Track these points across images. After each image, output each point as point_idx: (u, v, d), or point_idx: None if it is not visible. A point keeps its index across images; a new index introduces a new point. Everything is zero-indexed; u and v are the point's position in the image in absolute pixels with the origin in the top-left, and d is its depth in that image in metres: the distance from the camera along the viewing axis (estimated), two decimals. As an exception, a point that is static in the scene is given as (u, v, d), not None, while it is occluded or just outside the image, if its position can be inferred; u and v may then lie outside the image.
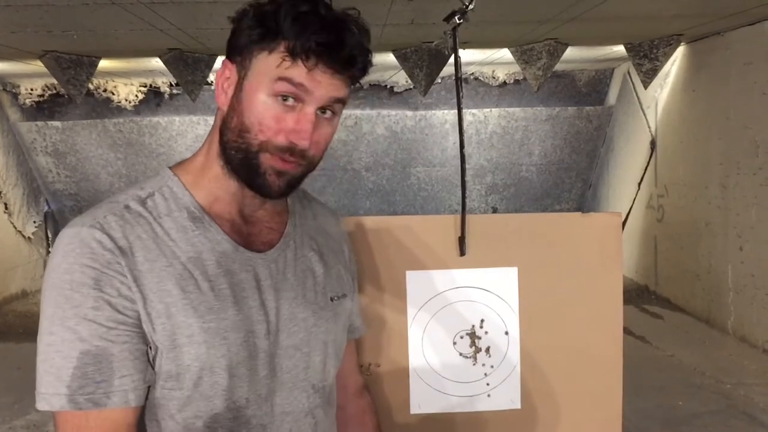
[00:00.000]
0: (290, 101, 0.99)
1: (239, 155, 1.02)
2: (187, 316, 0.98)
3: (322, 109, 1.02)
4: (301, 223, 1.18)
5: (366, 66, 1.04)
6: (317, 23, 0.98)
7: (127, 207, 1.01)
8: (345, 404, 1.28)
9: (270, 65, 0.99)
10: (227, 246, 1.04)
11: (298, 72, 0.98)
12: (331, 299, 1.17)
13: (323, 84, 0.99)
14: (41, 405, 0.93)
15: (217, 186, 1.07)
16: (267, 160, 1.01)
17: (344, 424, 1.27)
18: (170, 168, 1.08)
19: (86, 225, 0.97)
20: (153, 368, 0.98)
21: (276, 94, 0.99)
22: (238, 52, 1.02)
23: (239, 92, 1.01)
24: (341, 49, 0.99)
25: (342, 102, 1.04)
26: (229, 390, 1.01)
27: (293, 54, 0.98)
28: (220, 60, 5.76)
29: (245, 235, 1.08)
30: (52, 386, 0.92)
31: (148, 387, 0.99)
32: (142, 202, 1.02)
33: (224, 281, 1.02)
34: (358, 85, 1.07)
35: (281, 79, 0.98)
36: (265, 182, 1.02)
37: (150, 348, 0.98)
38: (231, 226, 1.06)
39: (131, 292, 0.96)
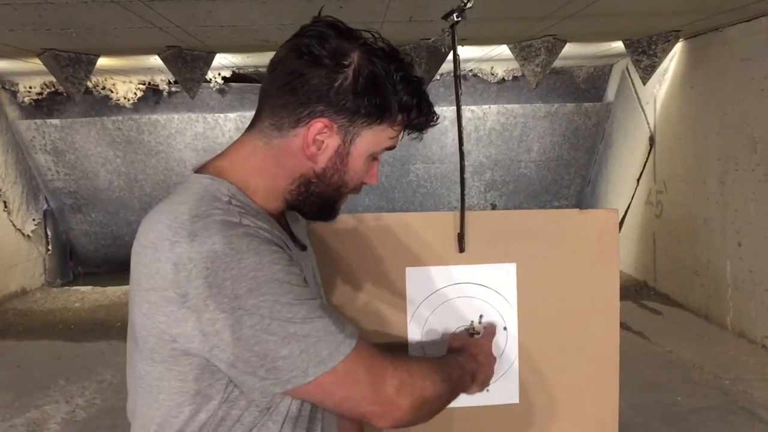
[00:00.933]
0: None
1: (323, 202, 1.11)
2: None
3: None
4: (288, 218, 1.22)
5: None
6: (425, 98, 1.08)
7: (240, 213, 1.00)
8: None
9: (384, 136, 1.08)
10: (291, 245, 1.11)
11: (399, 137, 1.11)
12: (319, 287, 1.25)
13: None
14: (330, 364, 0.96)
15: (269, 202, 1.09)
16: (342, 202, 1.14)
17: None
18: (210, 176, 1.06)
19: (239, 226, 0.96)
20: None
21: (376, 156, 1.11)
22: (342, 115, 1.03)
23: (344, 155, 1.07)
24: (435, 121, 1.12)
25: None
26: None
27: (407, 127, 1.10)
28: (218, 57, 5.76)
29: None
30: (333, 341, 0.97)
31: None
32: (230, 202, 1.01)
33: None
34: None
35: (389, 147, 1.10)
36: (334, 216, 1.16)
37: None
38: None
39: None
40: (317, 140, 1.04)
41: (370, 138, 1.07)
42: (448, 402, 1.14)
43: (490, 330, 1.47)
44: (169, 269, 0.93)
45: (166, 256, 0.94)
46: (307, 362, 0.95)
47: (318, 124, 1.03)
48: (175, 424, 1.01)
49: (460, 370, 1.22)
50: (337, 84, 1.01)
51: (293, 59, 1.02)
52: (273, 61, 1.06)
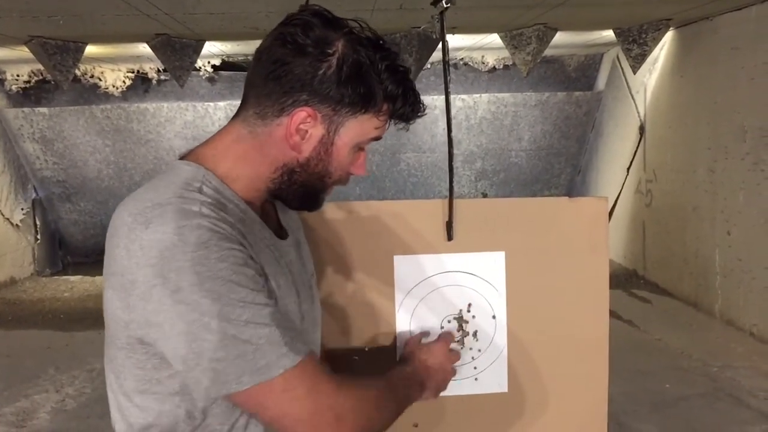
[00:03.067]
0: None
1: (306, 191, 1.09)
2: (290, 296, 1.05)
3: None
4: (276, 205, 1.20)
5: None
6: (411, 88, 1.07)
7: (203, 203, 0.96)
8: None
9: (369, 126, 1.07)
10: (268, 234, 1.08)
11: (385, 127, 1.09)
12: (311, 276, 1.22)
13: None
14: (266, 375, 0.92)
15: (250, 191, 1.07)
16: (327, 193, 1.13)
17: None
18: (189, 163, 1.04)
19: (195, 217, 0.92)
20: None
21: (362, 147, 1.10)
22: (326, 104, 1.02)
23: (328, 144, 1.05)
24: (422, 111, 1.11)
25: None
26: None
27: (393, 117, 1.08)
28: (208, 45, 5.72)
29: (269, 225, 1.12)
30: (274, 352, 0.93)
31: None
32: (199, 190, 0.98)
33: (282, 268, 1.07)
34: None
35: (375, 138, 1.09)
36: (317, 206, 1.14)
37: None
38: (261, 218, 1.09)
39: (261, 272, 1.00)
40: (301, 129, 1.03)
41: (355, 128, 1.05)
42: (395, 420, 1.12)
43: (446, 335, 1.44)
44: (123, 255, 0.93)
45: (123, 242, 0.93)
46: (243, 369, 0.91)
47: (301, 113, 1.01)
48: (141, 416, 1.00)
49: (406, 382, 1.20)
50: (320, 73, 1.00)
51: (277, 48, 1.01)
52: (258, 50, 1.05)
